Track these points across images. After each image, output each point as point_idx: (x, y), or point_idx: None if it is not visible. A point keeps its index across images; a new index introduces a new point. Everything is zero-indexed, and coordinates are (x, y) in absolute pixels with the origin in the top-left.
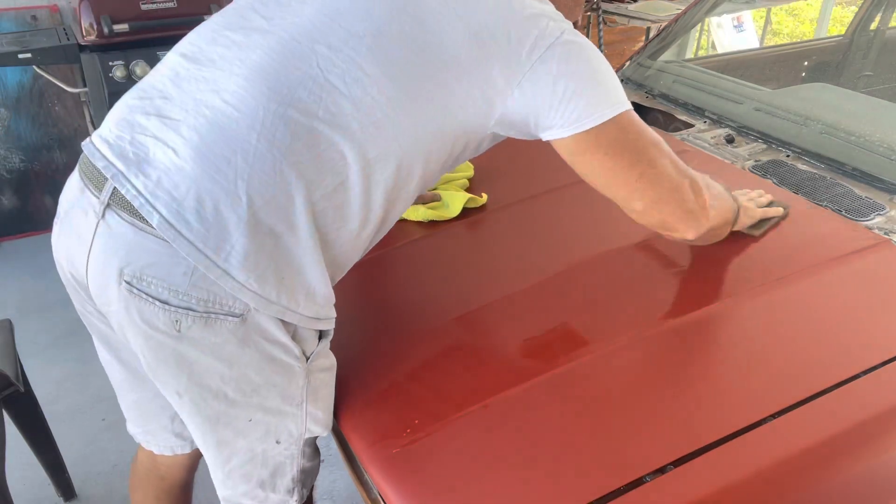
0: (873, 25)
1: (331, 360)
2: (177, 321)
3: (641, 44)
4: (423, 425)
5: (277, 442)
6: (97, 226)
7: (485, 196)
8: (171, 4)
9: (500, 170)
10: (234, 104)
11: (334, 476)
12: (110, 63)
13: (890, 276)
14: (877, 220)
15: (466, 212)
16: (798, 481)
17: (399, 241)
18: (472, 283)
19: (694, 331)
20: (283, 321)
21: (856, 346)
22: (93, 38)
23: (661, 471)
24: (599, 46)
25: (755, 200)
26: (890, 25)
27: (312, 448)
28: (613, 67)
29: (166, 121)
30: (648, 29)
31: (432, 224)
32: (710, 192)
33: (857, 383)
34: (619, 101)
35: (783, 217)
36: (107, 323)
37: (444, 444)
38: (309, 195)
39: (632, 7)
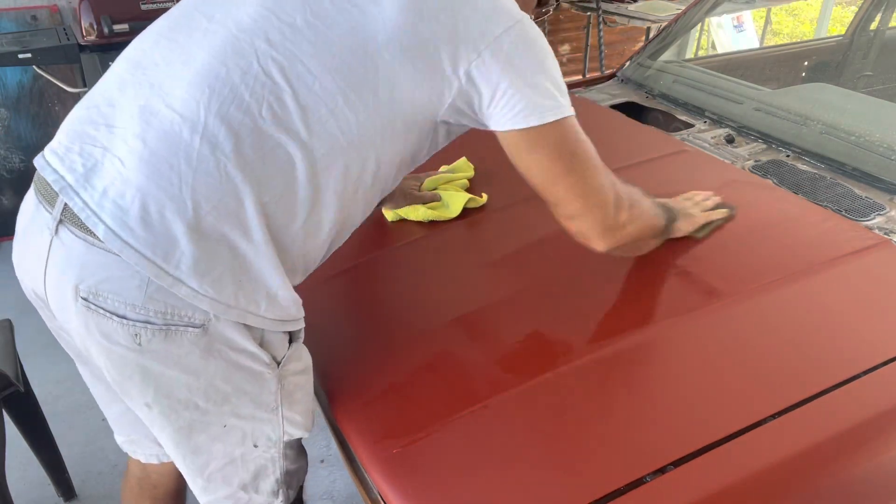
0: (873, 25)
1: (304, 363)
2: (136, 335)
3: (641, 44)
4: (423, 425)
5: (255, 446)
6: (51, 242)
7: (485, 196)
8: (170, 4)
9: (500, 170)
10: (176, 108)
11: (334, 476)
12: (110, 63)
13: (890, 276)
14: (877, 220)
15: (466, 212)
16: (798, 481)
17: (399, 241)
18: (472, 284)
19: (694, 331)
20: (247, 328)
21: (856, 346)
22: (93, 38)
23: (661, 471)
24: (599, 46)
25: (700, 204)
26: (890, 25)
27: (295, 450)
28: (613, 67)
29: (113, 129)
30: (648, 29)
31: (432, 224)
32: (634, 209)
33: (857, 383)
34: (565, 105)
35: (729, 219)
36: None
37: (444, 444)
38: (258, 197)
39: (632, 7)
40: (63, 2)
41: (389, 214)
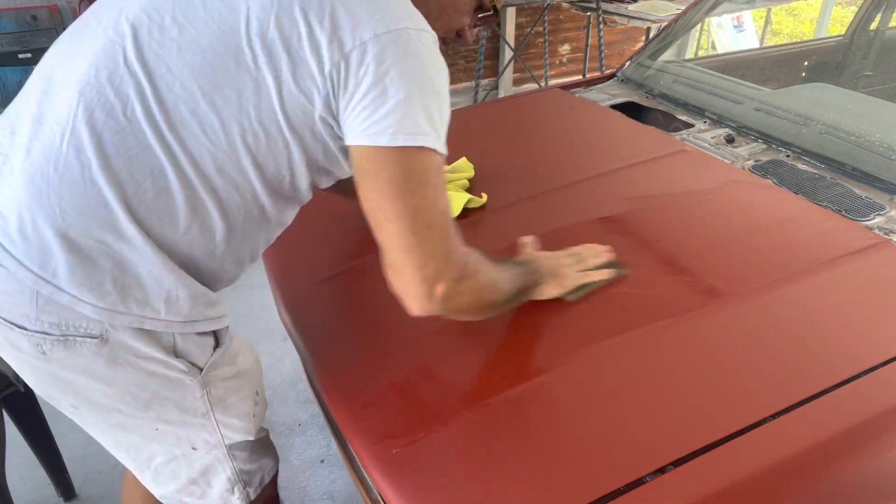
0: (873, 25)
1: (237, 368)
2: (38, 345)
3: (641, 44)
4: (423, 425)
5: (194, 448)
6: None
7: (484, 196)
8: None
9: (500, 170)
10: (55, 116)
11: (334, 476)
12: None
13: (890, 276)
14: (877, 220)
15: (466, 212)
16: (798, 481)
17: None
18: None
19: (694, 331)
20: (152, 336)
21: (856, 346)
22: None
23: (661, 471)
24: (599, 46)
25: (583, 263)
26: (890, 25)
27: (248, 451)
28: (613, 67)
29: (16, 137)
30: (648, 29)
31: None
32: (472, 266)
33: (857, 383)
34: (429, 137)
35: (615, 279)
36: None
37: (444, 444)
38: (126, 201)
39: (632, 7)
40: (63, 2)
41: None
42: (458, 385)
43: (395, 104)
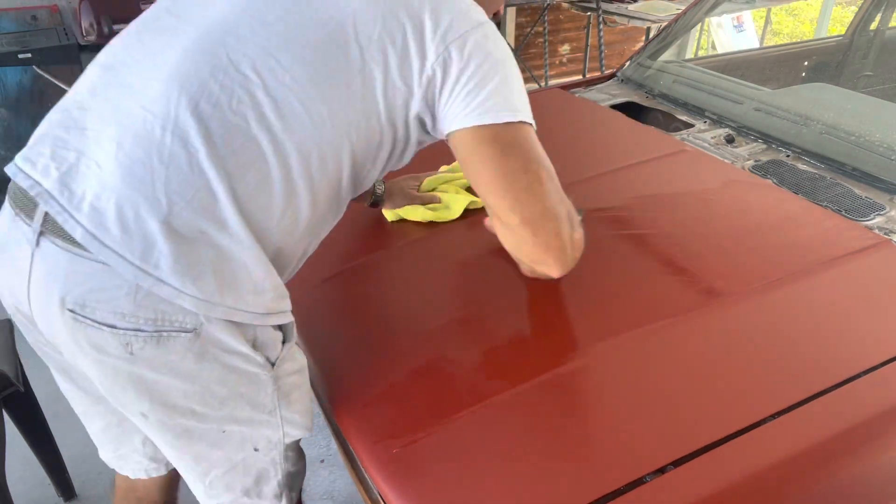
0: (873, 25)
1: (300, 363)
2: (128, 344)
3: (641, 44)
4: (423, 425)
5: (256, 449)
6: (33, 255)
7: None
8: None
9: None
10: (148, 107)
11: (334, 476)
12: None
13: (890, 276)
14: (877, 220)
15: (466, 212)
16: (798, 481)
17: (399, 241)
18: (472, 284)
19: (694, 331)
20: (239, 329)
21: (856, 346)
22: (93, 38)
23: (661, 471)
24: (599, 46)
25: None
26: (890, 25)
27: (296, 452)
28: (613, 67)
29: (86, 132)
30: (648, 29)
31: (432, 224)
32: (580, 230)
33: (857, 383)
34: (525, 113)
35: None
36: (59, 352)
37: (444, 444)
38: (232, 190)
39: (632, 7)
40: (63, 2)
41: (389, 214)
42: (458, 385)
43: (494, 87)
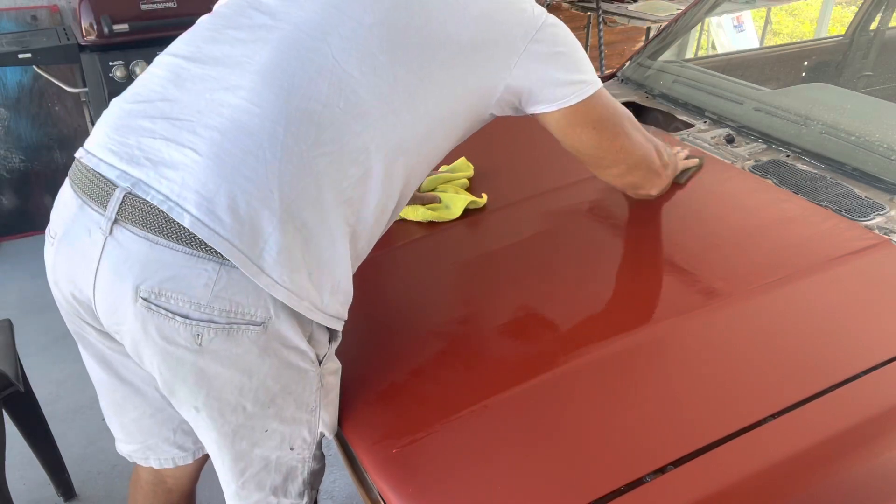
0: (873, 25)
1: (337, 363)
2: (198, 335)
3: (641, 44)
4: (422, 425)
5: (291, 448)
6: (104, 244)
7: (485, 197)
8: (171, 4)
9: (500, 170)
10: (252, 100)
11: (334, 476)
12: (110, 63)
13: (890, 276)
14: (877, 220)
15: (466, 212)
16: (798, 481)
17: (399, 241)
18: (472, 284)
19: (694, 330)
20: (301, 325)
21: (856, 346)
22: (93, 38)
23: (661, 471)
24: (599, 46)
25: (678, 155)
26: (890, 25)
27: (320, 451)
28: (613, 67)
29: (177, 122)
30: (648, 29)
31: (432, 224)
32: (667, 152)
33: (857, 383)
34: (596, 79)
35: (699, 167)
36: (108, 343)
37: (444, 444)
38: (337, 186)
39: (632, 7)
40: (63, 2)
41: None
42: (457, 385)
43: (572, 70)
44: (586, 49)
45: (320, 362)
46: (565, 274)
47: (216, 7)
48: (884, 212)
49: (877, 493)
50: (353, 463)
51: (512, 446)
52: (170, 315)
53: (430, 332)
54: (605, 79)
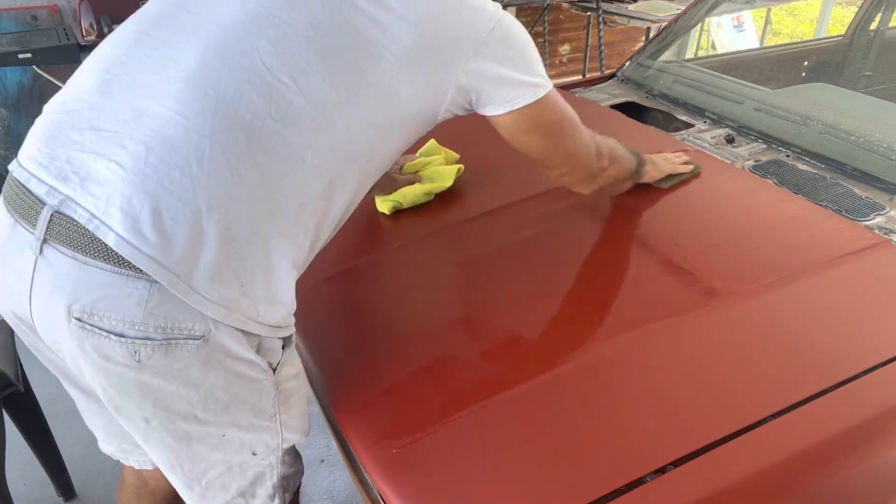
0: (873, 25)
1: (297, 367)
2: (135, 352)
3: (641, 44)
4: (422, 425)
5: (254, 454)
6: (35, 264)
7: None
8: None
9: (500, 169)
10: (177, 110)
11: (334, 476)
12: None
13: (890, 276)
14: (877, 220)
15: (466, 212)
16: (798, 481)
17: (399, 241)
18: (472, 284)
19: (694, 330)
20: (245, 335)
21: (856, 346)
22: (93, 38)
23: (661, 471)
24: (599, 46)
25: (669, 159)
26: (890, 25)
27: (292, 455)
28: (613, 67)
29: (104, 133)
30: (648, 29)
31: (431, 225)
32: (613, 155)
33: (857, 383)
34: (547, 82)
35: (694, 175)
36: (61, 358)
37: (444, 444)
38: (269, 197)
39: (632, 7)
40: (63, 2)
41: (385, 204)
42: (457, 385)
43: (524, 72)
44: (586, 49)
45: (274, 370)
46: (566, 274)
47: (145, 5)
48: (884, 212)
49: (877, 493)
50: (353, 463)
51: (512, 446)
52: (104, 334)
53: (430, 332)
54: (605, 79)
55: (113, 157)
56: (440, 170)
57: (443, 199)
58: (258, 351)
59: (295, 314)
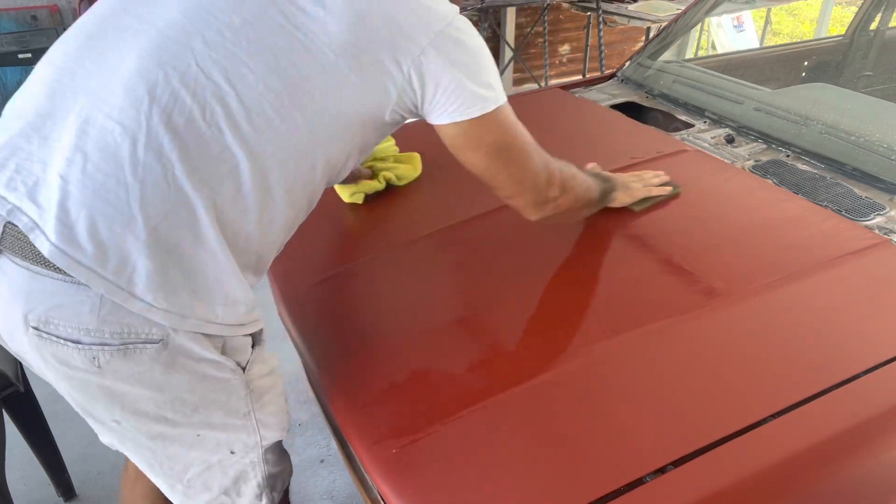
0: (873, 25)
1: (270, 365)
2: (94, 358)
3: (641, 44)
4: (423, 425)
5: (232, 452)
6: None
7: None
8: None
9: None
10: (115, 118)
11: (334, 476)
12: None
13: (890, 276)
14: (877, 220)
15: (466, 212)
16: (798, 481)
17: (398, 241)
18: (471, 284)
19: (694, 330)
20: (207, 337)
21: (856, 346)
22: None
23: (661, 471)
24: (599, 46)
25: (645, 180)
26: (890, 25)
27: (276, 454)
28: (613, 67)
29: (49, 141)
30: (648, 29)
31: (431, 225)
32: (566, 184)
33: (857, 383)
34: (499, 96)
35: (673, 195)
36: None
37: (444, 444)
38: (210, 203)
39: (632, 7)
40: (63, 2)
41: (347, 195)
42: (457, 385)
43: (475, 81)
44: (586, 49)
45: (244, 368)
46: (565, 273)
47: (93, 7)
48: (884, 212)
49: (877, 493)
50: (353, 463)
51: (512, 446)
52: (61, 342)
53: (429, 332)
54: (605, 79)
55: (55, 167)
56: (408, 157)
57: (442, 200)
58: (223, 351)
59: (297, 312)
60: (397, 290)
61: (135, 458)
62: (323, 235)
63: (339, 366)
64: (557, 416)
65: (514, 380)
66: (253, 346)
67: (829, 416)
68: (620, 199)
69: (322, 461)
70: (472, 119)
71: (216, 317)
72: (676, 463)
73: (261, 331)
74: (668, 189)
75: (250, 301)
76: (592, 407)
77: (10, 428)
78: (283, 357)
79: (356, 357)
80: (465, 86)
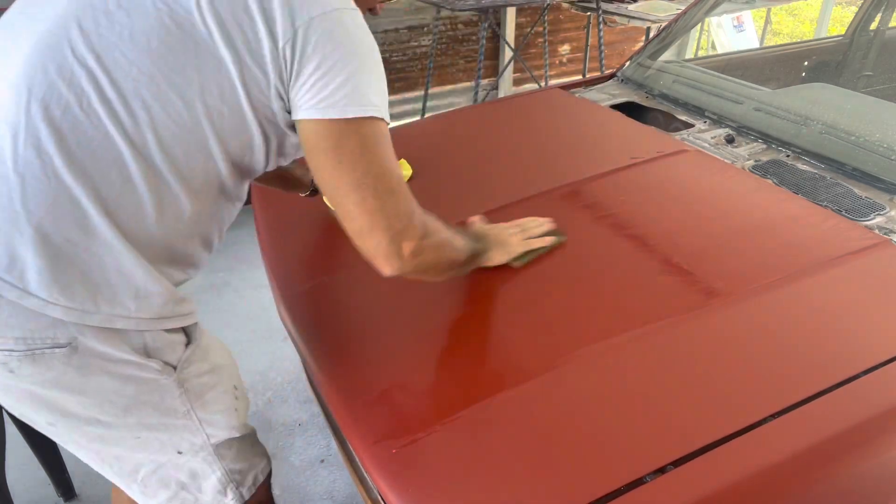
0: (873, 25)
1: (212, 362)
2: (5, 363)
3: (641, 44)
4: (423, 425)
5: (180, 452)
6: None
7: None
8: None
9: (500, 170)
10: (2, 116)
11: (334, 476)
12: None
13: (890, 276)
14: (877, 220)
15: (466, 212)
16: (798, 481)
17: None
18: (471, 284)
19: (694, 330)
20: (122, 338)
21: (856, 346)
22: None
23: (661, 471)
24: (599, 46)
25: (525, 232)
26: (890, 25)
27: (236, 448)
28: (613, 67)
29: None
30: (648, 29)
31: None
32: (432, 238)
33: (857, 383)
34: (377, 108)
35: (555, 246)
36: None
37: (444, 444)
38: (94, 194)
39: (632, 7)
40: None
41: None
42: (457, 385)
43: (344, 79)
44: (586, 49)
45: (175, 367)
46: (565, 274)
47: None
48: (884, 212)
49: (877, 493)
50: (353, 463)
51: (512, 446)
52: None
53: (429, 332)
54: (605, 79)
55: None
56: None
57: (442, 200)
58: (147, 351)
59: (297, 312)
60: (397, 291)
61: (84, 459)
62: (323, 235)
63: (338, 366)
64: (557, 416)
65: (514, 379)
66: (188, 345)
67: (829, 416)
68: (496, 259)
69: (322, 461)
70: (332, 119)
71: (128, 311)
72: (676, 463)
73: (195, 326)
74: (551, 240)
75: (168, 293)
76: (592, 407)
77: (10, 428)
78: (283, 357)
79: (356, 357)
80: (333, 81)
